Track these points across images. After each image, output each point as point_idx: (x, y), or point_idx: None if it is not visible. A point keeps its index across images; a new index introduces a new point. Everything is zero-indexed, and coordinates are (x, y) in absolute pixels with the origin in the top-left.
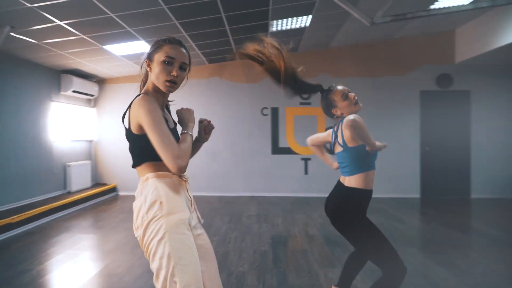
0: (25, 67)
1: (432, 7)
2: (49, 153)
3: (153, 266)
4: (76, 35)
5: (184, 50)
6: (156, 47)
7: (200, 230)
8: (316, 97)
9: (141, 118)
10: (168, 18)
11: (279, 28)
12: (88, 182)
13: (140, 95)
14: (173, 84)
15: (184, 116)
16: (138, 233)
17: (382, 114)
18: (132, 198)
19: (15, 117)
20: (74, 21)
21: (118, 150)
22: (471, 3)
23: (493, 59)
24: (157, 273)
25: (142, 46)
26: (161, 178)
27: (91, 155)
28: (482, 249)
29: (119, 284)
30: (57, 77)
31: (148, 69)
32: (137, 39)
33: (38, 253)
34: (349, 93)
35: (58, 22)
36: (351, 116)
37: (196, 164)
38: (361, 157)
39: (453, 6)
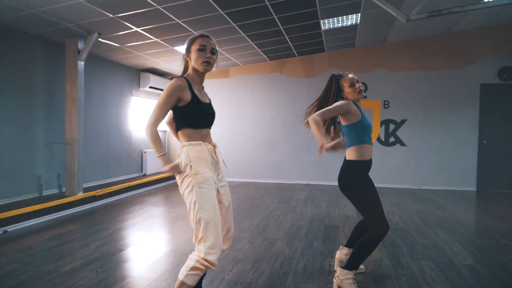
0: (110, 67)
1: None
2: (129, 140)
3: (187, 207)
4: (150, 39)
5: (212, 41)
6: (191, 42)
7: (224, 183)
8: (371, 90)
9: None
10: (226, 21)
11: (331, 26)
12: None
13: (173, 78)
14: (208, 64)
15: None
16: (178, 183)
17: (440, 107)
18: None
19: (101, 109)
20: (149, 28)
21: None
22: None
23: None
24: (188, 213)
25: None
26: (193, 146)
27: (165, 144)
28: None
29: (173, 241)
30: (137, 75)
31: (188, 59)
32: None
33: (115, 218)
34: (356, 83)
35: (135, 28)
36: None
37: (257, 153)
38: (352, 134)
39: (491, 1)
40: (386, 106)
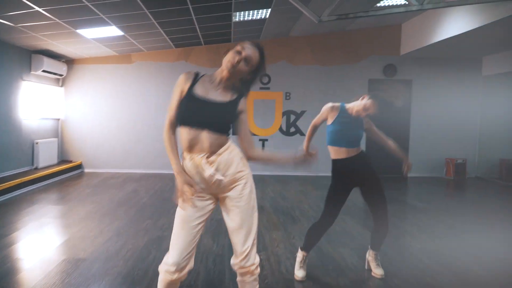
0: None
1: (378, 4)
2: (19, 130)
3: None
4: (52, 19)
5: (256, 51)
6: (237, 44)
7: (242, 192)
8: (274, 82)
9: None
10: (139, 7)
11: (241, 19)
12: (54, 159)
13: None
14: (232, 66)
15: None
16: None
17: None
18: (97, 175)
19: None
20: (52, 8)
21: (85, 128)
22: (403, 5)
23: (433, 52)
24: None
25: (113, 31)
26: (185, 160)
27: (58, 133)
28: None
29: (92, 245)
30: (28, 57)
31: (224, 55)
32: (109, 24)
33: (13, 221)
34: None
35: (37, 8)
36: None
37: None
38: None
39: (388, 6)
40: (287, 97)
